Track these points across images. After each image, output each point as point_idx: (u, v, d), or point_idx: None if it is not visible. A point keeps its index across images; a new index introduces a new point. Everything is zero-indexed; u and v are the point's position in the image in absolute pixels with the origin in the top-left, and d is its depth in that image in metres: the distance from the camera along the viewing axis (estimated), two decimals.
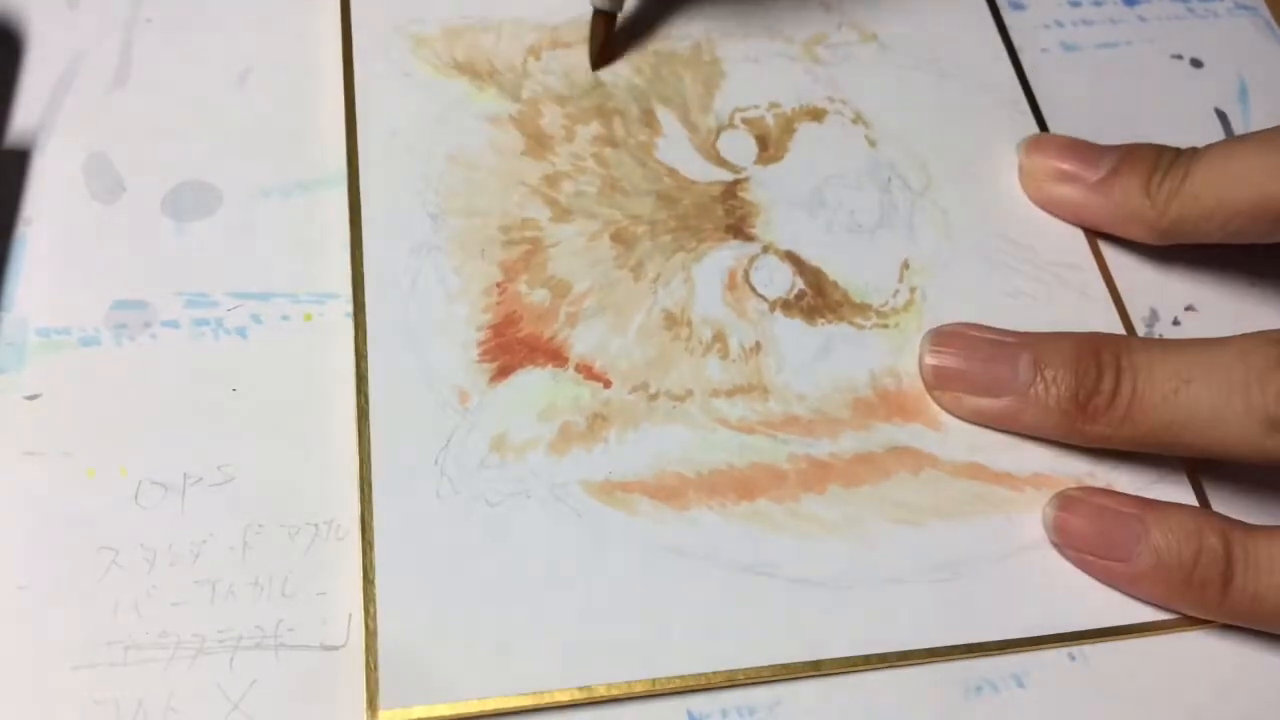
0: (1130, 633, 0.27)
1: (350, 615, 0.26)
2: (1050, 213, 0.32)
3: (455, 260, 0.30)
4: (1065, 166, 0.31)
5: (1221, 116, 0.36)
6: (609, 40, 0.33)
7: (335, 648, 0.26)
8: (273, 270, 0.30)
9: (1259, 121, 0.36)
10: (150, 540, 0.26)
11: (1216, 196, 0.28)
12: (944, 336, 0.29)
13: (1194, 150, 0.30)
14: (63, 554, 0.26)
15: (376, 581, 0.26)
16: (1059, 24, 0.37)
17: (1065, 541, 0.27)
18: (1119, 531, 0.26)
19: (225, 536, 0.26)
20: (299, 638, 0.26)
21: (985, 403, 0.28)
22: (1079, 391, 0.27)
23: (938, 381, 0.29)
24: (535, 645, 0.25)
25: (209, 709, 0.25)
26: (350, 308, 0.29)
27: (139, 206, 0.30)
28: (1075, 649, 0.27)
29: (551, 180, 0.31)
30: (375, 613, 0.25)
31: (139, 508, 0.27)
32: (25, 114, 0.32)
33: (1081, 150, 0.32)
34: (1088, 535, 0.27)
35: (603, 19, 0.33)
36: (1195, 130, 0.35)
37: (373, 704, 0.25)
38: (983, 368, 0.28)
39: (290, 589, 0.26)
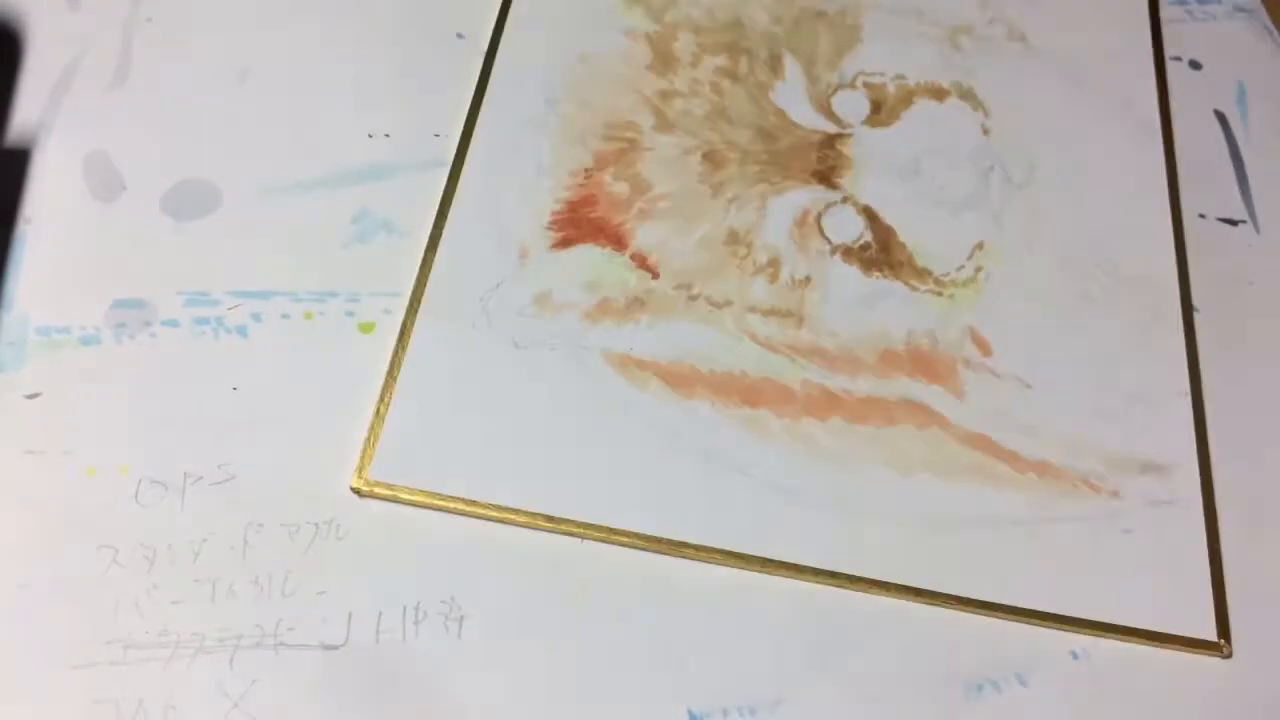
0: (1097, 630, 0.27)
1: (350, 614, 0.26)
2: None
3: (555, 142, 0.32)
4: None
5: (1220, 118, 0.36)
6: None
7: (335, 647, 0.25)
8: (273, 269, 0.30)
9: (1257, 122, 0.36)
10: (150, 539, 0.26)
11: None
12: None
13: None
14: (63, 553, 0.26)
15: (398, 379, 0.28)
16: None
17: None
18: None
19: (225, 535, 0.26)
20: (299, 637, 0.25)
21: None
22: None
23: None
24: (516, 467, 0.27)
25: (209, 708, 0.25)
26: (350, 306, 0.29)
27: (139, 205, 0.30)
28: (1079, 648, 0.27)
29: (665, 95, 0.33)
30: (390, 400, 0.27)
31: (139, 506, 0.27)
32: (25, 114, 0.32)
33: None
34: None
35: None
36: (1196, 130, 0.35)
37: (361, 472, 0.26)
38: None
39: (290, 588, 0.26)
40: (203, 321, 0.29)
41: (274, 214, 0.31)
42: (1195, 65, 0.37)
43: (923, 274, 0.31)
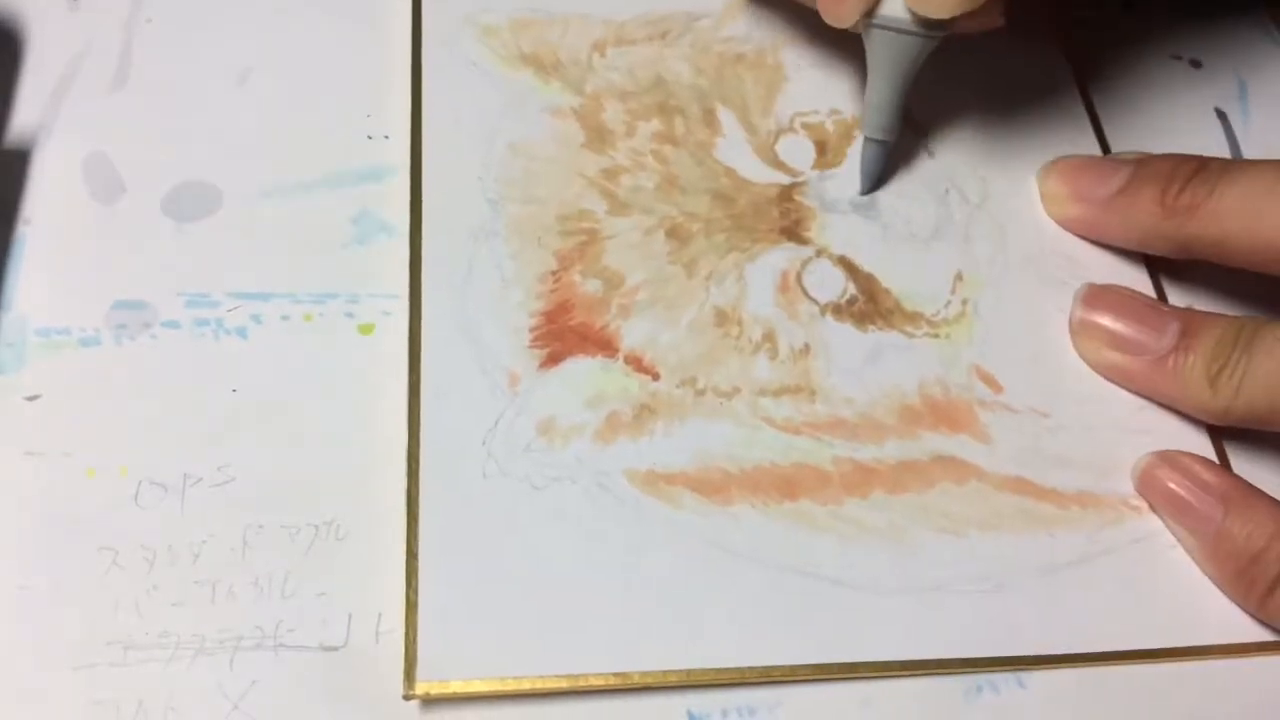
0: (1166, 657, 0.27)
1: (350, 615, 0.26)
2: (1072, 233, 0.32)
3: (512, 246, 0.30)
4: (1078, 187, 0.31)
5: (1222, 116, 0.36)
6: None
7: (335, 648, 0.25)
8: (273, 270, 0.30)
9: (1258, 122, 0.36)
10: (150, 540, 0.26)
11: (1241, 225, 0.28)
12: (1099, 290, 0.30)
13: (1221, 165, 0.29)
14: (63, 554, 0.26)
15: (420, 555, 0.26)
16: None
17: (1145, 494, 0.28)
18: (1197, 506, 0.27)
19: (225, 537, 0.26)
20: (299, 638, 0.25)
21: (1122, 359, 0.29)
22: (1211, 364, 0.27)
23: (1083, 330, 0.30)
24: (572, 628, 0.25)
25: (209, 709, 0.25)
26: (350, 307, 0.29)
27: (139, 206, 0.30)
28: (1164, 679, 0.27)
29: (610, 174, 0.32)
30: (417, 586, 0.25)
31: (139, 508, 0.27)
32: (25, 114, 0.32)
33: (1094, 168, 0.31)
34: (1168, 499, 0.28)
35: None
36: (1195, 130, 0.35)
37: (410, 675, 0.24)
38: (1129, 326, 0.29)
39: (290, 589, 0.26)
40: (203, 323, 0.29)
41: (274, 215, 0.31)
42: (1195, 64, 0.37)
43: (914, 318, 0.30)
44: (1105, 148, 0.34)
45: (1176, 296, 0.32)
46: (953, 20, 0.28)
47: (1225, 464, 0.29)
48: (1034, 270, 0.32)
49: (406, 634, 0.25)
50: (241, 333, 0.29)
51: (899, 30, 0.29)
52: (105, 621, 0.25)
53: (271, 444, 0.27)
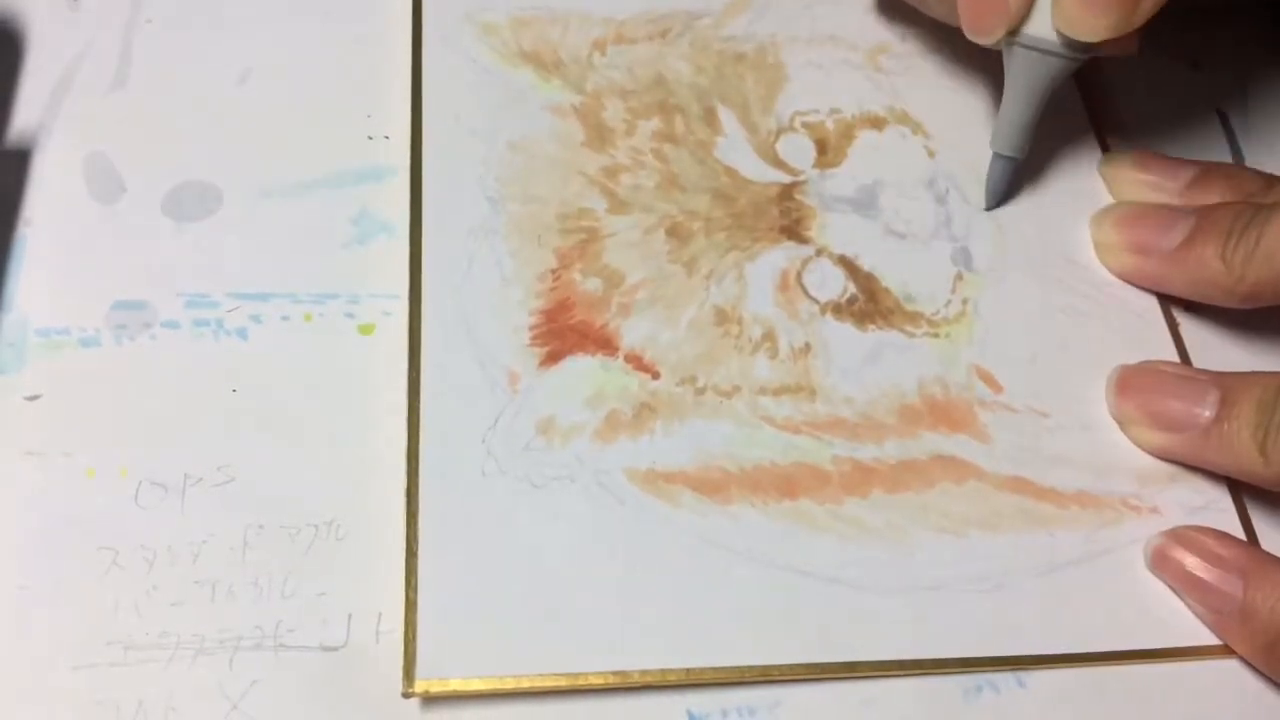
0: (1165, 657, 0.27)
1: (350, 615, 0.26)
2: (1132, 284, 0.31)
3: (512, 244, 0.30)
4: (1137, 238, 0.31)
5: (1222, 117, 0.36)
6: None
7: (335, 648, 0.25)
8: (273, 270, 0.30)
9: (1259, 123, 0.36)
10: (150, 540, 0.26)
11: None
12: (1128, 375, 0.29)
13: (1270, 209, 0.28)
14: (63, 554, 0.26)
15: (420, 554, 0.26)
16: None
17: (1161, 574, 0.27)
18: (1216, 584, 0.27)
19: (225, 537, 0.26)
20: (299, 638, 0.25)
21: (1168, 439, 0.28)
22: (1257, 431, 0.27)
23: (1123, 418, 0.29)
24: (572, 626, 0.25)
25: (209, 709, 0.25)
26: (350, 307, 0.29)
27: (139, 206, 0.30)
28: (1161, 679, 0.27)
29: (610, 172, 0.32)
30: (416, 585, 0.25)
31: (139, 508, 0.27)
32: (25, 114, 0.32)
33: (1152, 219, 0.31)
34: (1185, 580, 0.27)
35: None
36: (1196, 131, 0.35)
37: (409, 674, 0.24)
38: (1166, 404, 0.28)
39: (290, 589, 0.26)
40: (203, 323, 0.29)
41: (274, 215, 0.31)
42: (1195, 65, 0.37)
43: (914, 317, 0.30)
44: (1105, 148, 0.34)
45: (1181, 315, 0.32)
46: (1099, 44, 0.28)
47: (1244, 514, 0.29)
48: (1034, 270, 0.32)
49: (406, 632, 0.25)
50: (241, 333, 0.29)
51: (1044, 51, 0.29)
52: (105, 621, 0.25)
53: (271, 444, 0.27)
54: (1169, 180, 0.31)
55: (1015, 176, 0.32)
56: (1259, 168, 0.32)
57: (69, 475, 0.27)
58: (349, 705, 0.25)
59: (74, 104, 0.32)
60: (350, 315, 0.29)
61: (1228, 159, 0.32)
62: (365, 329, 0.29)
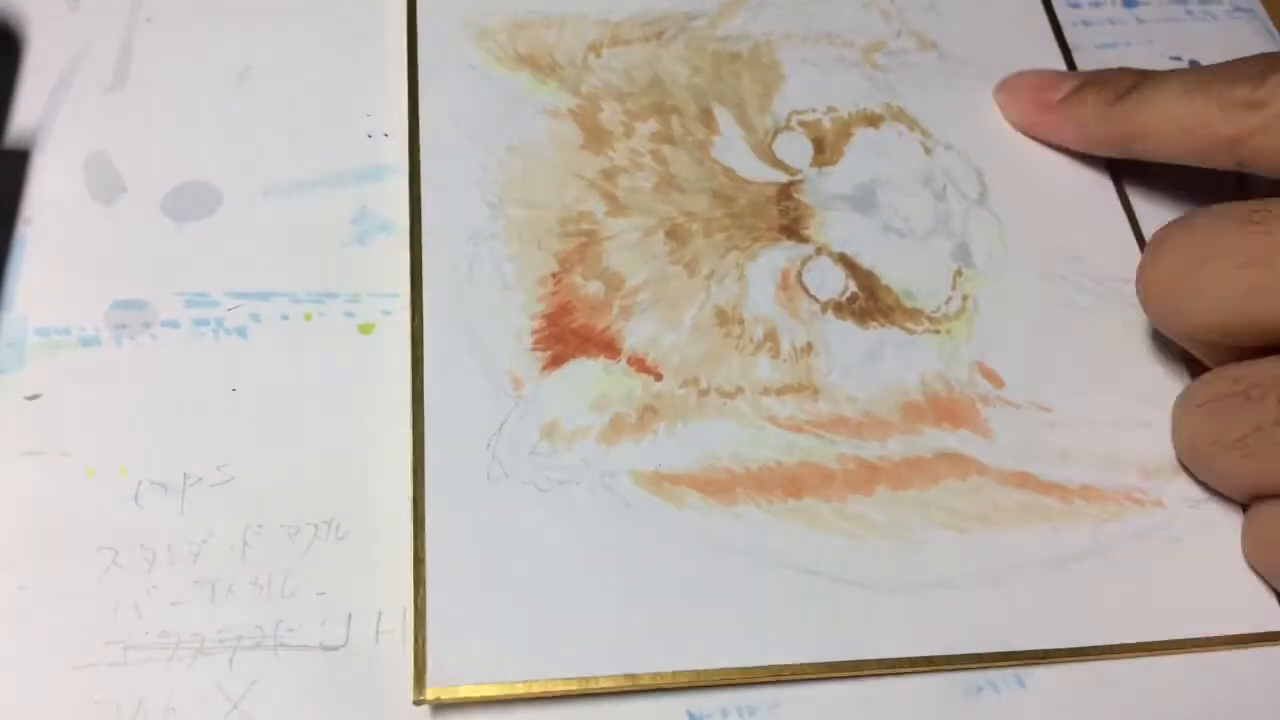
0: (1166, 649, 0.27)
1: (350, 615, 0.26)
2: (1032, 136, 0.34)
3: (512, 249, 0.30)
4: (1033, 90, 0.34)
5: None
6: None
7: (335, 648, 0.25)
8: (273, 270, 0.30)
9: None
10: (150, 540, 0.26)
11: (1147, 123, 0.30)
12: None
13: (1152, 72, 0.31)
14: (63, 554, 0.26)
15: (427, 561, 0.26)
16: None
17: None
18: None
19: (225, 536, 0.26)
20: (299, 638, 0.25)
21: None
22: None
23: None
24: (580, 631, 0.25)
25: (209, 709, 0.25)
26: (350, 307, 0.29)
27: (139, 206, 0.30)
28: (1165, 671, 0.27)
29: (609, 175, 0.32)
30: (425, 592, 0.25)
31: (139, 508, 0.27)
32: (25, 114, 0.32)
33: (1047, 75, 0.34)
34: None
35: None
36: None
37: (420, 681, 0.24)
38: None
39: (290, 589, 0.26)
40: (203, 323, 0.29)
41: (274, 215, 0.31)
42: (1195, 65, 0.37)
43: (915, 314, 0.30)
44: None
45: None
46: None
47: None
48: (1033, 266, 0.32)
49: (415, 639, 0.25)
50: (241, 332, 0.29)
51: None
52: (105, 621, 0.25)
53: (271, 444, 0.27)
54: (1052, 92, 0.33)
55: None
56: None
57: (69, 475, 0.27)
58: (349, 705, 0.25)
59: (74, 104, 0.32)
60: (350, 315, 0.29)
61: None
62: (365, 328, 0.29)
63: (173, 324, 0.29)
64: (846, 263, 0.31)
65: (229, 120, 0.32)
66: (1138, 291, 0.27)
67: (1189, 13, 0.38)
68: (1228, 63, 0.29)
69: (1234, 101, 0.27)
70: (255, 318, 0.29)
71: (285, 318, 0.29)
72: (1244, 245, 0.25)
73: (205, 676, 0.25)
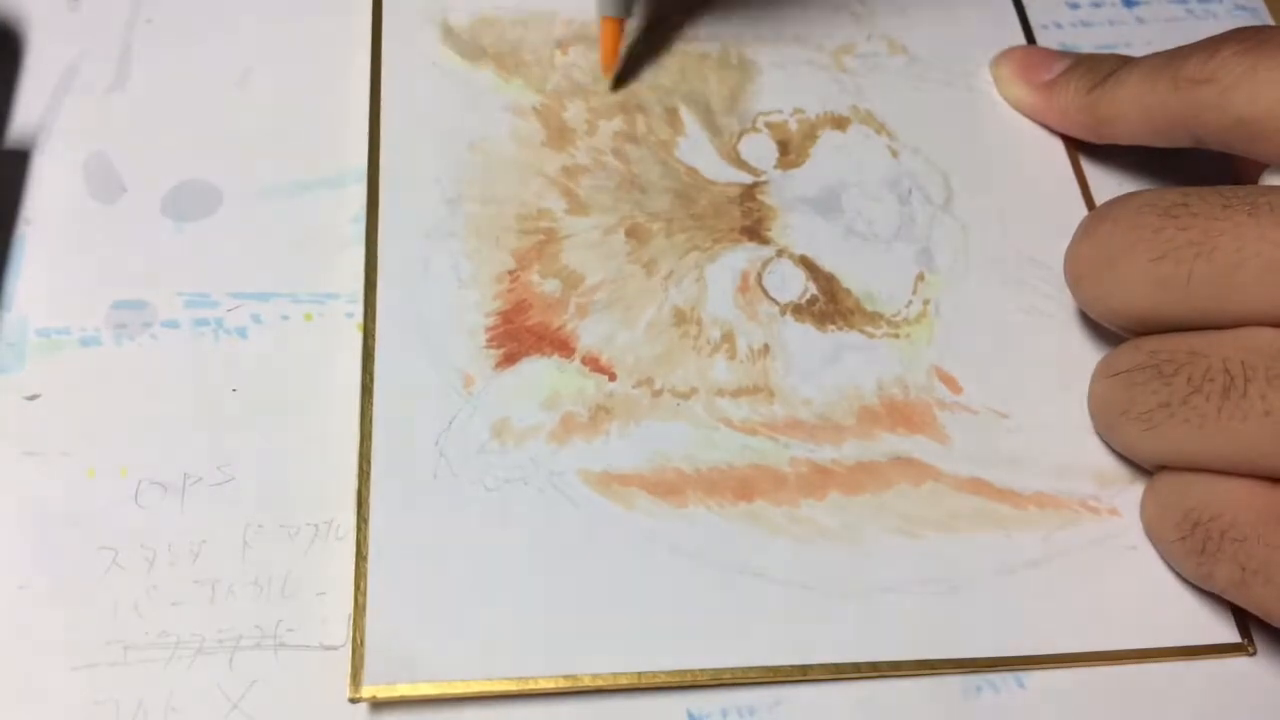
0: (1128, 658, 0.27)
1: (350, 615, 0.26)
2: (1021, 113, 0.34)
3: (469, 246, 0.30)
4: (1024, 69, 0.34)
5: None
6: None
7: (335, 648, 0.26)
8: (273, 270, 0.30)
9: None
10: (150, 540, 0.26)
11: (1116, 107, 0.31)
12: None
13: (1136, 59, 0.31)
14: (63, 554, 0.26)
15: (369, 558, 0.26)
16: (1057, 25, 0.37)
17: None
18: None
19: (225, 536, 0.26)
20: (299, 638, 0.26)
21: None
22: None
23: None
24: (523, 631, 0.25)
25: (209, 709, 0.25)
26: (350, 308, 0.29)
27: (139, 206, 0.31)
28: (1117, 679, 0.26)
29: (570, 173, 0.31)
30: (365, 588, 0.25)
31: (139, 508, 0.27)
32: (25, 114, 0.32)
33: (1038, 55, 0.34)
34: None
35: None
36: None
37: (356, 679, 0.25)
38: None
39: (290, 589, 0.26)
40: (203, 323, 0.29)
41: (274, 215, 0.31)
42: None
43: (875, 318, 0.30)
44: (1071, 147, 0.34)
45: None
46: None
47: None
48: (996, 271, 0.31)
49: (354, 636, 0.25)
50: (241, 333, 0.29)
51: None
52: (105, 621, 0.25)
53: (271, 444, 0.28)
54: (1043, 73, 0.34)
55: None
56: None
57: (69, 475, 0.27)
58: (349, 705, 0.25)
59: (74, 104, 0.32)
60: (350, 315, 0.29)
61: (1203, 161, 0.32)
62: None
63: (173, 324, 0.29)
64: (807, 265, 0.31)
65: (229, 120, 0.32)
66: (1064, 275, 0.28)
67: (1189, 12, 0.38)
68: (1193, 43, 0.29)
69: (1187, 78, 0.28)
70: (255, 318, 0.29)
71: (285, 318, 0.29)
72: (1158, 240, 0.25)
73: (205, 676, 0.25)
